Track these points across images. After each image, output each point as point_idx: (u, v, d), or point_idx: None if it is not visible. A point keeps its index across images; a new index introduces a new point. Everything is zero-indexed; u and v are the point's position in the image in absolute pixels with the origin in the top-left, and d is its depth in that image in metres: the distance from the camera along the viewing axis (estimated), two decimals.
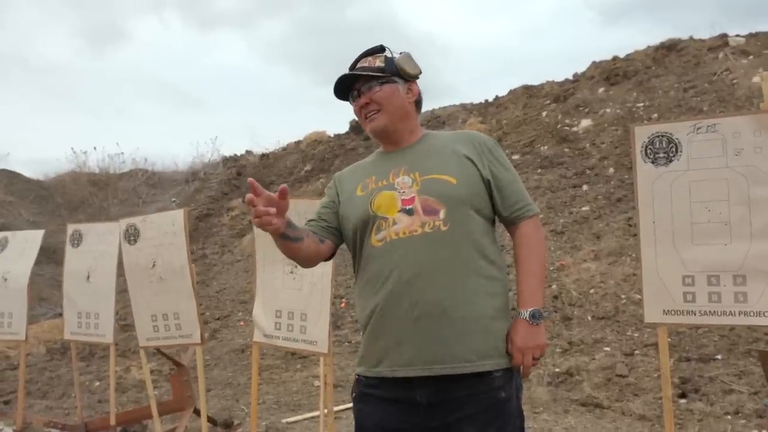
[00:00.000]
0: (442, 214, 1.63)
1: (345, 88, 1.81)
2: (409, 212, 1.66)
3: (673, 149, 2.09)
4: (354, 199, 1.76)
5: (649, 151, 2.14)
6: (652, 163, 2.14)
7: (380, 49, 1.83)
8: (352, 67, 1.83)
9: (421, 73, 1.84)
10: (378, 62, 1.79)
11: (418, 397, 1.61)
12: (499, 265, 1.71)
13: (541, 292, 1.69)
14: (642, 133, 2.15)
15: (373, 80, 1.76)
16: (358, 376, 1.75)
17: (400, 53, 1.82)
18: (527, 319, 1.64)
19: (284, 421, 4.76)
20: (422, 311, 1.59)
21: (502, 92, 11.63)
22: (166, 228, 3.45)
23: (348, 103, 1.85)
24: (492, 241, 1.71)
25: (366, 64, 1.79)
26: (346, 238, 1.80)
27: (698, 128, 2.05)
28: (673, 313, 2.12)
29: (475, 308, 1.62)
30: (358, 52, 1.84)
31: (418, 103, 1.84)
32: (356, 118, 1.85)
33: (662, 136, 2.11)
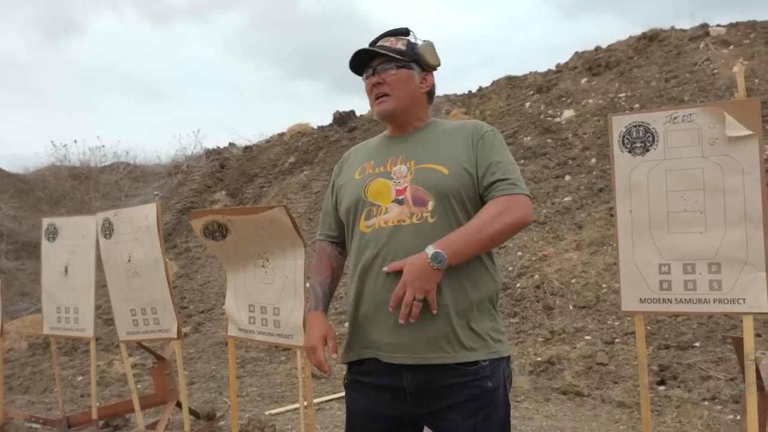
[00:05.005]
0: (430, 206, 1.63)
1: (361, 62, 1.79)
2: (401, 202, 1.66)
3: (650, 139, 2.09)
4: (351, 182, 1.78)
5: (626, 141, 2.14)
6: (629, 152, 2.14)
7: (405, 31, 1.82)
8: (373, 44, 1.81)
9: (439, 65, 1.83)
10: (400, 44, 1.77)
11: (405, 384, 1.63)
12: (487, 258, 1.69)
13: (464, 246, 1.57)
14: (620, 123, 2.15)
15: (391, 62, 1.75)
16: (350, 364, 1.77)
17: (424, 41, 1.81)
18: (428, 256, 1.54)
19: (267, 413, 4.76)
20: None
21: (484, 83, 11.67)
22: (140, 222, 3.40)
23: (361, 78, 1.84)
24: None
25: (387, 44, 1.77)
26: (342, 219, 1.83)
27: (674, 118, 2.05)
28: (649, 301, 2.12)
29: (459, 300, 1.61)
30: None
31: (430, 94, 1.84)
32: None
33: (639, 125, 2.11)
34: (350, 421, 1.77)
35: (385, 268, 1.61)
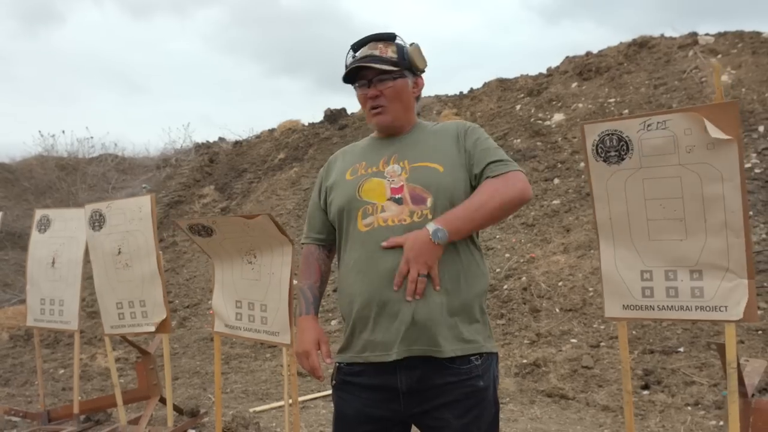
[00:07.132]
0: (429, 203, 1.65)
1: (351, 71, 1.77)
2: (398, 201, 1.67)
3: (624, 147, 2.02)
4: (342, 183, 1.78)
5: (600, 150, 2.07)
6: (604, 161, 2.07)
7: (392, 36, 1.80)
8: (358, 47, 1.79)
9: (426, 66, 1.84)
10: (390, 52, 1.76)
11: (399, 384, 1.63)
12: (481, 256, 1.74)
13: (463, 222, 1.61)
14: (592, 131, 2.08)
15: (387, 74, 1.74)
16: (339, 364, 1.76)
17: (411, 45, 1.80)
18: (430, 232, 1.58)
19: (251, 410, 4.74)
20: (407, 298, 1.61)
21: (474, 84, 11.70)
22: (133, 214, 3.38)
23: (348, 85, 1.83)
24: (476, 233, 1.74)
25: (377, 52, 1.75)
26: (332, 220, 1.82)
27: (648, 125, 1.97)
28: (632, 308, 2.12)
29: (457, 296, 1.63)
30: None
31: (418, 95, 1.85)
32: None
33: (612, 134, 2.04)
34: (338, 422, 1.76)
35: (385, 243, 1.61)
